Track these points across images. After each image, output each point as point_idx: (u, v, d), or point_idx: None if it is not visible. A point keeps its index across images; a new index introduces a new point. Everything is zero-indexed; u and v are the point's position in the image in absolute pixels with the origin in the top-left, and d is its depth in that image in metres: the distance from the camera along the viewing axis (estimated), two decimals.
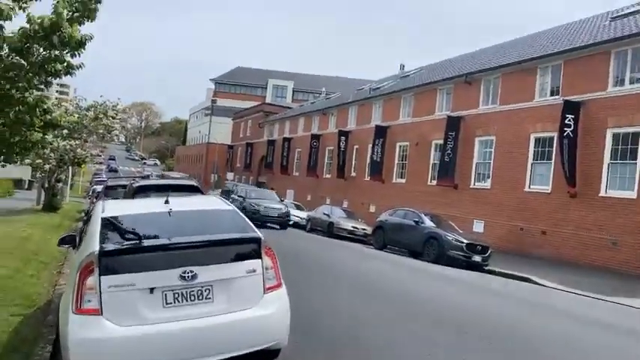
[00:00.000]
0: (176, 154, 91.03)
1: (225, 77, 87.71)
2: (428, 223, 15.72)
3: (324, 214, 22.34)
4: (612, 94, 16.88)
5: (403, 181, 27.95)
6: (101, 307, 3.74)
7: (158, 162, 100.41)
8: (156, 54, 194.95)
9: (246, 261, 4.17)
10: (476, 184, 22.72)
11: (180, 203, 4.89)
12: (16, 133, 7.93)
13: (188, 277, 3.95)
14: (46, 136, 19.30)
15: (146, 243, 3.98)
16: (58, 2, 6.20)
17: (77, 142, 20.63)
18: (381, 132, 29.30)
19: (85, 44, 6.54)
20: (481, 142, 22.70)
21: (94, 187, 36.05)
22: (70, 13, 6.37)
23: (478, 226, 22.08)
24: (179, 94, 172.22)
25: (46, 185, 21.73)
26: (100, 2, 6.57)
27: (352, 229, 20.30)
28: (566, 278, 14.14)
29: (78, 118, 19.45)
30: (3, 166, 10.19)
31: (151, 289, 3.84)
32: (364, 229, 19.87)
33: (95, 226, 4.28)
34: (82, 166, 40.39)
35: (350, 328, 6.40)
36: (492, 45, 29.14)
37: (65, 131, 19.35)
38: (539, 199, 19.28)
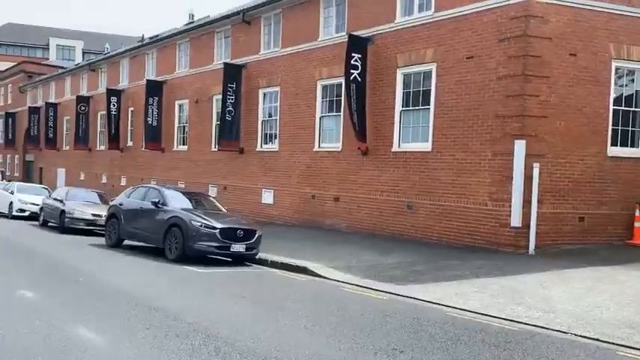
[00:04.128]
0: None
1: None
2: (172, 204, 10.97)
3: (56, 199, 16.17)
4: (401, 26, 13.93)
5: (185, 148, 22.89)
6: None
7: None
8: None
9: None
10: (263, 146, 18.73)
11: None
12: None
13: None
14: None
15: None
16: None
17: None
18: (154, 88, 23.61)
19: None
20: (266, 94, 18.67)
21: None
22: None
23: (267, 197, 18.25)
24: None
25: None
26: None
27: (92, 218, 14.61)
28: (355, 259, 10.82)
29: None
30: None
31: None
32: None
33: None
34: None
35: None
36: None
37: None
38: (330, 160, 15.99)
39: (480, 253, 11.34)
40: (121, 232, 11.86)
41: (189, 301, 7.24)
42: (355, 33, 14.64)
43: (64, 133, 33.90)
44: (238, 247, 10.23)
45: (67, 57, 72.10)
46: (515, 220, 11.30)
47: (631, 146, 12.47)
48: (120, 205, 12.24)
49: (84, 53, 73.97)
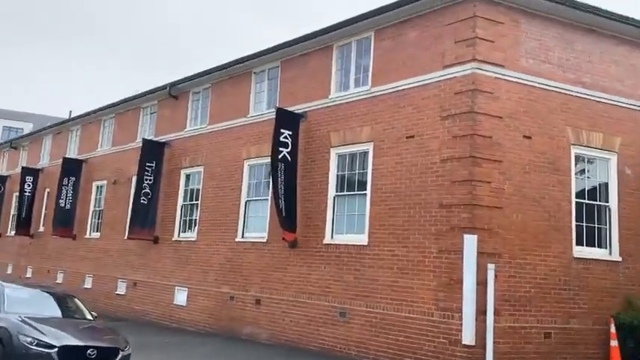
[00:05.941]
0: None
1: None
2: (11, 309, 7.90)
3: None
4: (336, 102, 12.26)
5: (98, 235, 19.88)
6: None
7: None
8: None
9: None
10: (181, 235, 16.07)
11: None
12: None
13: None
14: None
15: None
16: None
17: None
18: (72, 168, 20.99)
19: None
20: (189, 176, 16.37)
21: None
22: None
23: (180, 297, 15.27)
24: None
25: None
26: None
27: None
28: None
29: None
30: None
31: None
32: None
33: None
34: None
35: None
36: None
37: None
38: (253, 253, 13.45)
39: None
40: None
41: None
42: (289, 108, 12.89)
43: None
44: None
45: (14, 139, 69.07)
46: (468, 337, 8.88)
47: (598, 246, 10.61)
48: None
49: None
